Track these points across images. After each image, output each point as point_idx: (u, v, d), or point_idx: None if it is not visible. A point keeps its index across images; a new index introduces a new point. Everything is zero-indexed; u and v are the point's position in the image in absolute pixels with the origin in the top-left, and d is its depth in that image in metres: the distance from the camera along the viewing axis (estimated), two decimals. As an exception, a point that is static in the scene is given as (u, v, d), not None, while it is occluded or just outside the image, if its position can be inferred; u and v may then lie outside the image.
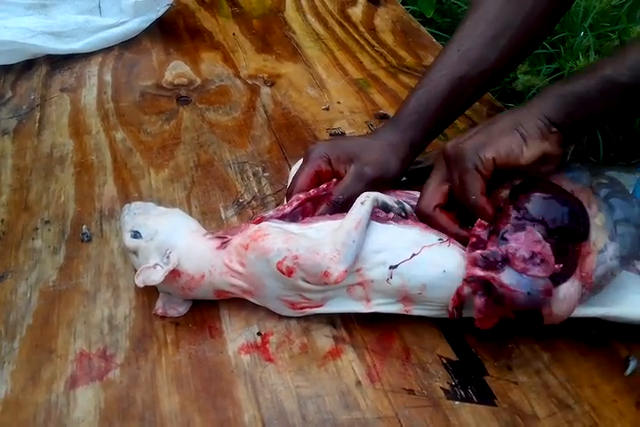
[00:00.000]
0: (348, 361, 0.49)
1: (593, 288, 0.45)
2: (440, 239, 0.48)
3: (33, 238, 0.60)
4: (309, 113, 0.79)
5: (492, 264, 0.44)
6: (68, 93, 0.83)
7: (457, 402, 0.45)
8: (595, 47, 1.71)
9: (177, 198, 0.65)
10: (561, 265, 0.44)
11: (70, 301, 0.54)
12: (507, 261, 0.44)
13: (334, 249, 0.46)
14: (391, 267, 0.46)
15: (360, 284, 0.48)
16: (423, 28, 0.99)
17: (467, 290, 0.45)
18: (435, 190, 0.51)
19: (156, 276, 0.49)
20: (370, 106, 0.80)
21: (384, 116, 0.77)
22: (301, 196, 0.54)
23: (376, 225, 0.48)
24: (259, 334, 0.51)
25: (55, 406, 0.46)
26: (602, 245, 0.45)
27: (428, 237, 0.48)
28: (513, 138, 0.47)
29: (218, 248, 0.50)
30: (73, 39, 0.90)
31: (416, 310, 0.48)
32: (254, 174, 0.68)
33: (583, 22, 1.77)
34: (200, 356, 0.49)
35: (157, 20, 0.96)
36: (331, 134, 0.74)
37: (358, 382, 0.47)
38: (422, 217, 0.50)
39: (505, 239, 0.45)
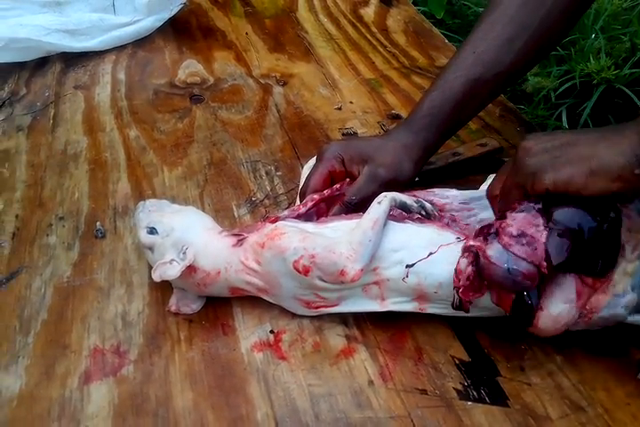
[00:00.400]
0: (360, 360, 0.49)
1: (590, 324, 0.45)
2: (458, 238, 0.48)
3: (47, 234, 0.61)
4: (322, 113, 0.79)
5: (484, 236, 0.44)
6: (81, 91, 0.84)
7: (469, 403, 0.45)
8: (606, 49, 1.71)
9: (190, 196, 0.65)
10: (545, 264, 0.42)
11: (84, 296, 0.54)
12: (497, 234, 0.44)
13: (351, 248, 0.46)
14: (407, 266, 0.46)
15: (376, 282, 0.48)
16: (435, 29, 0.99)
17: (462, 262, 0.45)
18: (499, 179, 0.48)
19: (172, 271, 0.49)
20: (382, 106, 0.80)
21: (396, 117, 0.77)
22: (315, 196, 0.54)
23: (393, 224, 0.49)
24: (271, 332, 0.51)
25: (69, 401, 0.47)
26: (621, 290, 0.44)
27: (446, 235, 0.48)
28: (580, 170, 0.42)
29: (234, 246, 0.50)
30: (87, 37, 0.91)
31: (431, 309, 0.49)
32: (267, 173, 0.69)
33: (594, 24, 1.77)
34: (213, 353, 0.50)
35: (170, 18, 0.97)
36: (343, 134, 0.75)
37: (371, 382, 0.47)
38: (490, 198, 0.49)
39: (504, 217, 0.45)
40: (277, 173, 0.69)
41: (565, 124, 1.67)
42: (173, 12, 0.97)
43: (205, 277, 0.50)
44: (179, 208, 0.56)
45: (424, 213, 0.50)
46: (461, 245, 0.46)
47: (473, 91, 0.57)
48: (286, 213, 0.53)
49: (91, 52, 0.91)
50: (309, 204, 0.53)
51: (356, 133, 0.74)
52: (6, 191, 0.66)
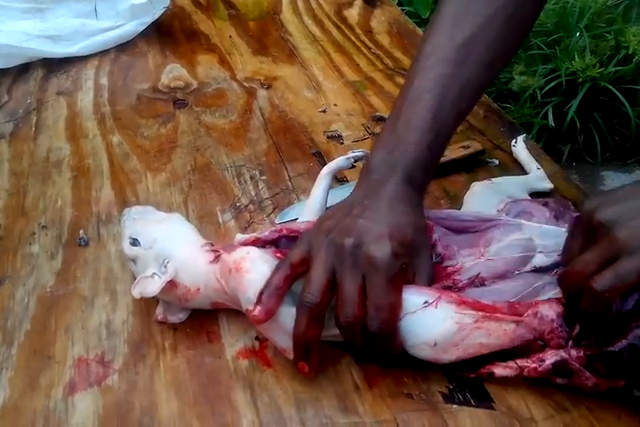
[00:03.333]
0: (346, 365, 0.49)
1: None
2: (425, 302, 0.45)
3: (30, 243, 0.60)
4: (306, 116, 0.79)
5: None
6: (64, 97, 0.83)
7: (455, 406, 0.45)
8: (590, 48, 1.72)
9: (174, 202, 0.65)
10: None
11: (68, 306, 0.54)
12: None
13: None
14: None
15: None
16: (419, 30, 0.99)
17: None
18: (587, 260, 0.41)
19: (152, 288, 0.49)
20: (367, 108, 0.80)
21: (380, 119, 0.77)
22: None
23: None
24: (257, 338, 0.51)
25: (54, 412, 0.46)
26: None
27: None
28: None
29: (211, 262, 0.50)
30: (69, 42, 0.90)
31: None
32: (251, 178, 0.68)
33: (579, 23, 1.78)
34: (198, 361, 0.49)
35: (154, 22, 0.96)
36: (328, 137, 0.74)
37: (357, 387, 0.47)
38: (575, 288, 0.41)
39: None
40: (262, 178, 0.68)
41: (552, 122, 1.68)
42: (156, 16, 0.96)
43: (186, 292, 0.50)
44: (164, 216, 0.55)
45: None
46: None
47: (458, 125, 0.54)
48: (256, 235, 0.53)
49: (73, 57, 0.91)
50: (276, 234, 0.53)
51: (340, 136, 0.74)
52: (-12, 200, 0.66)
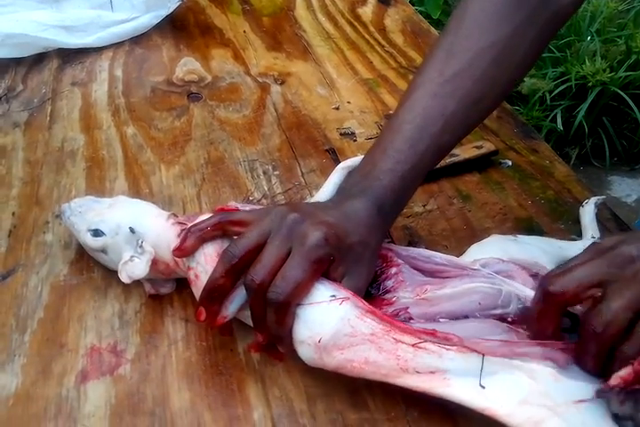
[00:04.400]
0: (357, 361, 0.49)
1: None
2: (332, 296, 0.44)
3: (44, 232, 0.60)
4: (319, 112, 0.79)
5: None
6: (78, 88, 0.83)
7: (466, 404, 0.46)
8: (601, 52, 1.73)
9: (187, 195, 0.65)
10: None
11: (81, 295, 0.54)
12: None
13: None
14: None
15: None
16: (433, 29, 0.99)
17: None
18: None
19: (139, 269, 0.49)
20: (380, 106, 0.80)
21: (394, 117, 0.77)
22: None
23: None
24: (269, 332, 0.51)
25: (66, 400, 0.47)
26: None
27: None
28: None
29: (179, 235, 0.49)
30: (84, 33, 0.90)
31: None
32: (264, 173, 0.69)
33: (590, 27, 1.79)
34: (210, 353, 0.50)
35: (168, 16, 0.96)
36: (341, 134, 0.75)
37: (368, 382, 0.47)
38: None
39: None
40: (275, 173, 0.69)
41: (560, 125, 1.68)
42: (171, 10, 0.96)
43: (167, 267, 0.51)
44: (110, 201, 0.55)
45: None
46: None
47: (439, 158, 0.54)
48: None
49: (88, 48, 0.91)
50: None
51: (353, 133, 0.75)
52: (2, 188, 0.66)
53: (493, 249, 0.52)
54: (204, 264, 0.47)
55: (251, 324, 0.47)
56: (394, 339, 0.41)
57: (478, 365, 0.40)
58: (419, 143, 0.50)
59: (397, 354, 0.41)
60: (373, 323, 0.42)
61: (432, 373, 0.41)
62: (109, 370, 0.48)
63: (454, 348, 0.41)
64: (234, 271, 0.45)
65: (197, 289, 0.47)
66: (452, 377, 0.41)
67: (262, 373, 0.48)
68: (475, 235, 0.60)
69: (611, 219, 0.62)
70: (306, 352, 0.44)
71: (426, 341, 0.41)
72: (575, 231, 0.60)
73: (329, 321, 0.43)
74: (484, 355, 0.40)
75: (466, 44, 0.52)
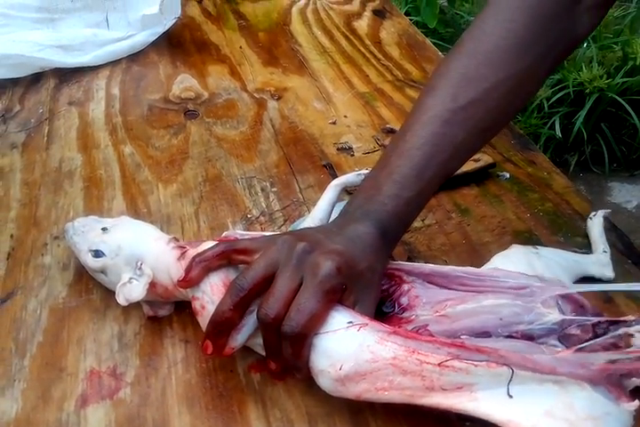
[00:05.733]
0: (358, 380, 0.48)
1: None
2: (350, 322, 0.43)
3: (42, 254, 0.60)
4: (316, 127, 0.79)
5: None
6: (76, 107, 0.84)
7: (468, 423, 0.45)
8: (598, 58, 1.73)
9: (185, 214, 0.65)
10: None
11: (80, 318, 0.54)
12: None
13: None
14: None
15: None
16: (429, 42, 1.00)
17: None
18: None
19: (136, 292, 0.49)
20: (376, 120, 0.80)
21: (391, 131, 0.77)
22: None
23: None
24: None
25: (66, 425, 0.46)
26: None
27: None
28: None
29: (178, 259, 0.49)
30: (81, 52, 0.91)
31: None
32: (262, 189, 0.69)
33: (586, 34, 1.79)
34: (210, 374, 0.49)
35: (164, 33, 0.97)
36: (338, 149, 0.75)
37: (370, 402, 0.47)
38: None
39: None
40: (272, 189, 0.69)
41: (559, 132, 1.68)
42: (167, 26, 0.97)
43: (165, 291, 0.50)
44: (112, 222, 0.55)
45: None
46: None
47: (443, 182, 0.52)
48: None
49: (84, 67, 0.91)
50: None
51: (351, 148, 0.75)
52: (1, 211, 0.66)
53: (520, 262, 0.51)
54: (211, 294, 0.47)
55: (259, 351, 0.47)
56: (418, 360, 0.40)
57: (507, 377, 0.40)
58: (426, 170, 0.49)
59: (423, 375, 0.40)
60: (394, 346, 0.41)
61: (459, 388, 0.41)
62: (109, 394, 0.48)
63: (483, 363, 0.40)
64: (242, 304, 0.44)
65: (204, 319, 0.47)
66: (479, 390, 0.40)
67: (263, 393, 0.48)
68: (474, 249, 0.60)
69: (610, 229, 0.62)
70: (326, 381, 0.43)
71: (451, 358, 0.40)
72: (574, 244, 0.60)
73: (348, 348, 0.42)
74: (513, 370, 0.40)
75: (484, 73, 0.50)
